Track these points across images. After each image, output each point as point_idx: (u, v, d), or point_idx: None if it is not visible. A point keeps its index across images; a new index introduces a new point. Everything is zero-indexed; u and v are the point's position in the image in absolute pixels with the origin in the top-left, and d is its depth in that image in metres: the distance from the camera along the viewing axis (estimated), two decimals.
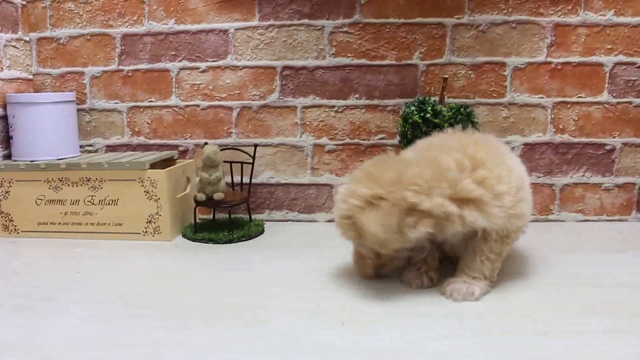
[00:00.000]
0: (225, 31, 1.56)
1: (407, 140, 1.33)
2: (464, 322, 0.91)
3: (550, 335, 0.85)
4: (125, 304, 1.01)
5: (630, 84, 1.52)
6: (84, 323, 0.92)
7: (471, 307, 0.97)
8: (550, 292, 1.04)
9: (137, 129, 1.63)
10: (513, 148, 1.55)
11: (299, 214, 1.61)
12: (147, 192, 1.42)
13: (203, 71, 1.58)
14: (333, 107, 1.55)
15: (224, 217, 1.54)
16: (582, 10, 1.49)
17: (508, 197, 0.96)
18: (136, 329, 0.90)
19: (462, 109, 1.35)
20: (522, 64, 1.52)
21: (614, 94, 1.52)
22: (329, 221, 1.60)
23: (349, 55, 1.53)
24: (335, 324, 0.91)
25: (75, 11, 1.59)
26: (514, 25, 1.51)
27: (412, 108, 1.35)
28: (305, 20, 1.53)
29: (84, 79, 1.62)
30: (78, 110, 1.62)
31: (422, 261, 1.08)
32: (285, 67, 1.55)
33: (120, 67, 1.61)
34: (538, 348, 0.81)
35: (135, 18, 1.58)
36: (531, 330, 0.87)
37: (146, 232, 1.44)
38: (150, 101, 1.61)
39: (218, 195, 1.42)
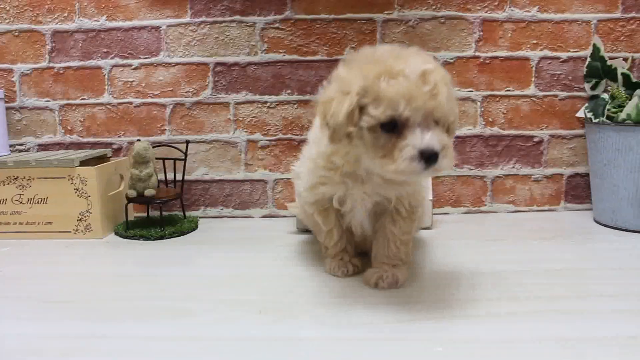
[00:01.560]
0: (157, 28, 1.55)
1: None
2: (384, 311, 0.92)
3: (468, 320, 0.87)
4: (49, 302, 0.99)
5: (555, 78, 1.56)
6: (6, 323, 0.91)
7: (393, 295, 0.99)
8: (469, 280, 1.06)
9: (69, 127, 1.60)
10: None
11: (234, 210, 1.60)
12: (77, 190, 1.41)
13: (135, 68, 1.57)
14: (265, 102, 1.55)
15: (157, 214, 1.53)
16: (508, 6, 1.53)
17: None
18: (62, 324, 0.89)
19: None
20: (452, 59, 1.55)
21: (541, 88, 1.56)
22: (264, 217, 1.60)
23: (281, 51, 1.54)
24: (254, 313, 0.91)
25: (2, 6, 1.56)
26: (442, 20, 1.53)
27: None
28: (237, 17, 1.53)
29: (12, 77, 1.59)
30: (7, 108, 1.59)
31: (342, 251, 1.10)
32: (217, 64, 1.55)
33: (51, 65, 1.58)
34: (448, 331, 0.83)
35: (66, 14, 1.56)
36: (443, 316, 0.89)
37: (77, 230, 1.42)
38: (83, 99, 1.59)
39: (149, 192, 1.41)
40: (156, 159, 1.48)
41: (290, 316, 0.90)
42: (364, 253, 1.14)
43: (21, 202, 1.42)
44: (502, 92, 1.56)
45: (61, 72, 1.58)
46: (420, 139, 0.81)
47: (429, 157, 0.81)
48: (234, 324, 0.88)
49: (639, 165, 1.36)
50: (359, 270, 1.09)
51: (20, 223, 1.43)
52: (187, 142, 1.53)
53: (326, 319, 0.89)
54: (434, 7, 1.52)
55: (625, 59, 1.52)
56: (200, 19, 1.54)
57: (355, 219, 1.04)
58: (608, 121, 1.43)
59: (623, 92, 1.45)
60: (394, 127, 0.83)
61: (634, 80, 1.47)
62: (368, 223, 1.05)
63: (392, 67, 0.82)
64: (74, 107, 1.59)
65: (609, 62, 1.51)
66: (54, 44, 1.57)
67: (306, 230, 1.39)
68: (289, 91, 1.55)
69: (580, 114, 1.55)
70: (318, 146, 0.98)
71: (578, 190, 1.60)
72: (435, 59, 0.89)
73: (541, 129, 1.58)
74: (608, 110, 1.44)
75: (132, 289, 1.05)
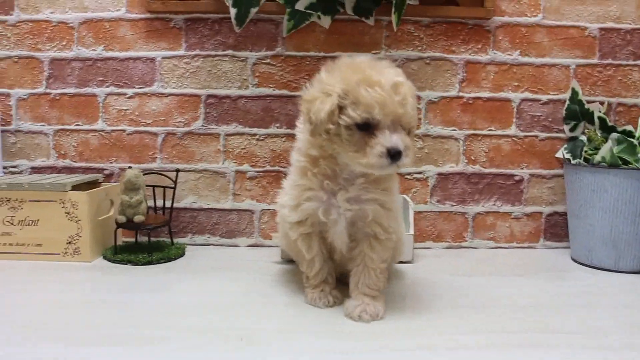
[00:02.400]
0: (152, 59, 1.60)
1: None
2: (359, 339, 0.95)
3: (430, 350, 0.91)
4: (23, 326, 1.01)
5: (535, 119, 1.61)
6: None
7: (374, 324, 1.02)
8: (444, 313, 1.09)
9: (63, 152, 1.64)
10: (427, 177, 1.62)
11: (220, 239, 1.64)
12: (68, 214, 1.44)
13: (130, 97, 1.62)
14: (255, 135, 1.60)
15: (146, 240, 1.56)
16: (491, 49, 1.59)
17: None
18: (34, 348, 0.91)
19: None
20: (436, 98, 1.60)
21: (521, 128, 1.62)
22: (249, 246, 1.64)
23: (271, 85, 1.59)
24: (236, 341, 0.94)
25: (3, 33, 1.61)
26: (428, 61, 1.59)
27: None
28: (230, 51, 1.59)
29: (9, 101, 1.63)
30: (3, 131, 1.63)
31: (324, 282, 1.15)
32: (209, 96, 1.60)
33: (48, 90, 1.63)
34: None
35: (64, 43, 1.61)
36: (414, 347, 0.92)
37: (66, 253, 1.45)
38: (77, 125, 1.63)
39: (138, 218, 1.44)
40: (146, 186, 1.51)
41: (259, 343, 0.93)
42: (343, 278, 1.18)
43: (12, 224, 1.45)
44: (485, 132, 1.61)
45: (57, 98, 1.63)
46: (389, 139, 0.95)
47: (394, 155, 0.95)
48: (199, 352, 0.90)
49: (613, 207, 1.41)
50: (340, 301, 1.13)
51: (10, 244, 1.46)
52: (178, 170, 1.57)
53: (304, 347, 0.92)
54: (419, 48, 1.58)
55: (602, 103, 1.58)
56: (194, 52, 1.59)
57: (336, 234, 1.08)
58: (584, 163, 1.48)
59: (599, 135, 1.51)
60: (367, 128, 0.96)
61: (610, 124, 1.53)
62: (347, 241, 1.09)
63: (370, 76, 0.95)
64: (68, 133, 1.63)
65: (586, 106, 1.57)
66: (51, 71, 1.62)
67: (290, 261, 1.42)
68: (277, 124, 1.60)
69: (560, 154, 1.60)
70: (299, 151, 1.10)
71: (557, 229, 1.65)
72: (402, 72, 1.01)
73: (521, 168, 1.63)
74: (585, 152, 1.50)
75: (109, 315, 1.07)
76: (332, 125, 0.96)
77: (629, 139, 1.45)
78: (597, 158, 1.44)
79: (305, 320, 1.05)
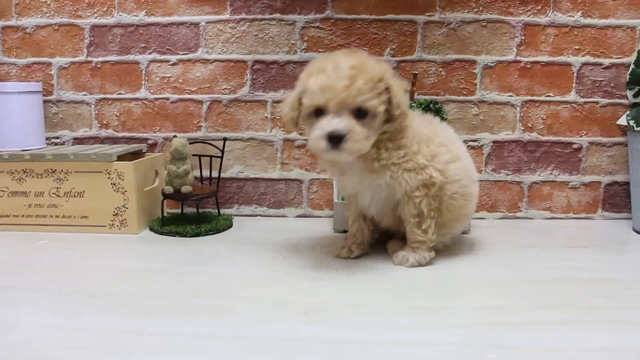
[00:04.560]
0: (196, 24, 1.55)
1: None
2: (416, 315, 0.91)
3: (498, 325, 0.86)
4: (88, 297, 0.99)
5: (597, 85, 1.54)
6: (45, 315, 0.91)
7: (429, 299, 0.97)
8: (506, 287, 1.04)
9: (105, 122, 1.60)
10: (482, 145, 1.56)
11: (268, 209, 1.60)
12: (114, 185, 1.40)
13: (173, 64, 1.57)
14: None
15: (192, 211, 1.53)
16: (551, 10, 1.51)
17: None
18: (100, 319, 0.89)
19: (431, 105, 1.36)
20: (492, 62, 1.53)
21: (581, 94, 1.54)
22: (298, 216, 1.59)
23: (321, 50, 1.53)
24: (299, 314, 0.90)
25: (43, 0, 1.56)
26: (484, 23, 1.52)
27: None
28: (277, 15, 1.53)
29: (51, 70, 1.59)
30: (45, 101, 1.59)
31: (352, 236, 1.22)
32: (256, 62, 1.55)
33: (89, 59, 1.58)
34: (491, 337, 0.82)
35: (105, 9, 1.56)
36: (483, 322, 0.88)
37: (112, 225, 1.42)
38: (119, 93, 1.59)
39: (186, 188, 1.41)
40: (192, 155, 1.47)
41: (330, 317, 0.89)
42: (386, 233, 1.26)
43: (58, 195, 1.42)
44: (542, 98, 1.54)
45: (99, 66, 1.58)
46: (328, 123, 0.98)
47: (333, 139, 0.97)
48: (274, 324, 0.87)
49: None
50: (364, 253, 1.22)
51: (57, 216, 1.43)
52: (225, 139, 1.52)
53: (365, 321, 0.88)
54: (476, 10, 1.51)
55: None
56: (240, 16, 1.53)
57: (362, 202, 1.17)
58: None
59: None
60: (320, 114, 1.00)
61: None
62: (375, 207, 1.16)
63: (320, 65, 1.01)
64: (110, 102, 1.59)
65: None
66: (92, 38, 1.58)
67: (344, 231, 1.37)
68: None
69: (622, 121, 1.53)
70: None
71: (616, 199, 1.58)
72: (370, 56, 1.06)
73: (580, 136, 1.56)
74: None
75: (170, 286, 1.04)
76: (294, 113, 1.05)
77: None
78: None
79: (369, 295, 1.00)
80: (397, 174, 1.08)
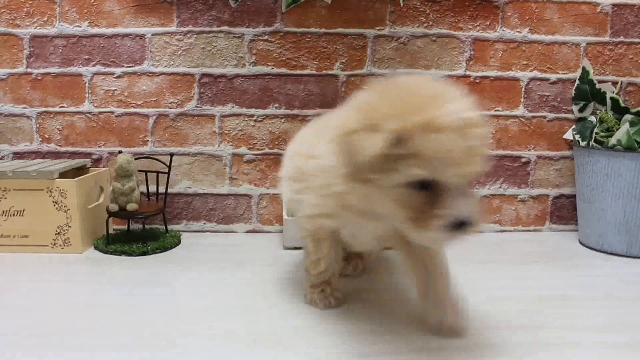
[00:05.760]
0: (142, 36, 1.50)
1: None
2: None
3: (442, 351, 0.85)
4: (20, 321, 0.94)
5: (544, 99, 1.56)
6: None
7: (377, 324, 0.96)
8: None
9: (47, 136, 1.55)
10: None
11: (217, 225, 1.57)
12: (56, 203, 1.35)
13: (118, 77, 1.52)
14: (252, 116, 1.52)
15: (139, 227, 1.48)
16: (500, 26, 1.52)
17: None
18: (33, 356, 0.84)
19: None
20: (442, 77, 1.53)
21: (529, 109, 1.56)
22: (248, 232, 1.57)
23: (269, 64, 1.51)
24: (246, 343, 0.88)
25: None
26: (434, 38, 1.52)
27: None
28: (225, 27, 1.49)
29: None
30: None
31: (325, 283, 1.04)
32: (203, 75, 1.51)
33: (29, 70, 1.52)
34: None
35: (46, 19, 1.50)
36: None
37: (55, 244, 1.37)
38: (62, 107, 1.53)
39: (131, 206, 1.37)
40: (138, 171, 1.43)
41: (272, 345, 0.87)
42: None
43: None
44: (492, 112, 1.55)
45: (39, 78, 1.53)
46: (459, 206, 0.71)
47: (461, 225, 0.71)
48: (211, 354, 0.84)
49: (627, 191, 1.36)
50: (340, 303, 1.04)
51: None
52: (172, 154, 1.49)
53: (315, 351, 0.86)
54: (425, 24, 1.51)
55: (615, 83, 1.53)
56: (187, 29, 1.50)
57: (359, 241, 0.96)
58: (598, 145, 1.43)
59: (611, 116, 1.45)
60: (427, 186, 0.72)
61: (622, 105, 1.48)
62: (372, 243, 0.97)
63: (435, 117, 0.69)
64: (52, 115, 1.54)
65: (597, 86, 1.51)
66: (32, 49, 1.51)
67: (294, 247, 1.35)
68: (276, 105, 1.52)
69: (568, 135, 1.55)
70: (327, 174, 0.84)
71: (563, 212, 1.61)
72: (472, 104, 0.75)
73: (529, 150, 1.57)
74: (596, 134, 1.44)
75: (112, 317, 1.00)
76: (377, 175, 0.73)
77: None
78: (612, 141, 1.39)
79: (318, 321, 0.99)
80: None
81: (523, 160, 1.58)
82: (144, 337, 0.91)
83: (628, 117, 1.42)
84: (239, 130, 1.52)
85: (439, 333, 0.90)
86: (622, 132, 1.36)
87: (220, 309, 1.04)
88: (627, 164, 1.35)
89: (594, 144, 1.43)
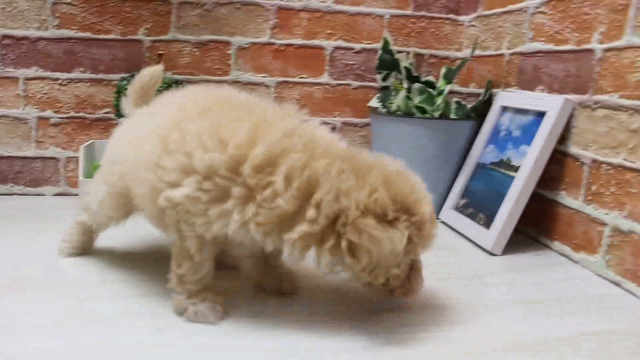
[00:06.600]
0: None
1: (121, 114, 1.34)
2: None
3: None
4: None
5: (348, 68, 1.63)
6: None
7: None
8: None
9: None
10: None
11: (25, 187, 1.58)
12: None
13: None
14: (57, 79, 1.53)
15: None
16: None
17: None
18: None
19: (174, 84, 1.39)
20: (246, 44, 1.58)
21: (334, 76, 1.62)
22: (56, 194, 1.59)
23: (74, 27, 1.52)
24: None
25: None
26: (238, 6, 1.56)
27: (125, 82, 1.37)
28: None
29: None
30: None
31: (204, 289, 0.86)
32: (5, 36, 1.51)
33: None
34: None
35: None
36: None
37: None
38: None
39: None
40: None
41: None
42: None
43: None
44: (296, 79, 1.61)
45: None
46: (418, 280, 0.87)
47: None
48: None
49: (409, 155, 1.45)
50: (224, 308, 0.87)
51: None
52: None
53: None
54: None
55: (408, 53, 1.61)
56: None
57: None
58: (383, 111, 1.51)
59: (404, 85, 1.54)
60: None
61: (414, 74, 1.56)
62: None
63: (430, 211, 0.81)
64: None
65: (396, 56, 1.59)
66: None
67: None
68: (81, 69, 1.54)
69: (372, 103, 1.63)
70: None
71: None
72: None
73: (334, 117, 1.64)
74: (390, 102, 1.53)
75: None
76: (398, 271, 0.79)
77: (428, 89, 1.49)
78: (394, 107, 1.47)
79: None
80: None
81: (329, 126, 1.64)
82: None
83: (416, 85, 1.50)
84: (45, 94, 1.54)
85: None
86: (400, 98, 1.45)
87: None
88: (406, 129, 1.44)
89: (382, 109, 1.52)
